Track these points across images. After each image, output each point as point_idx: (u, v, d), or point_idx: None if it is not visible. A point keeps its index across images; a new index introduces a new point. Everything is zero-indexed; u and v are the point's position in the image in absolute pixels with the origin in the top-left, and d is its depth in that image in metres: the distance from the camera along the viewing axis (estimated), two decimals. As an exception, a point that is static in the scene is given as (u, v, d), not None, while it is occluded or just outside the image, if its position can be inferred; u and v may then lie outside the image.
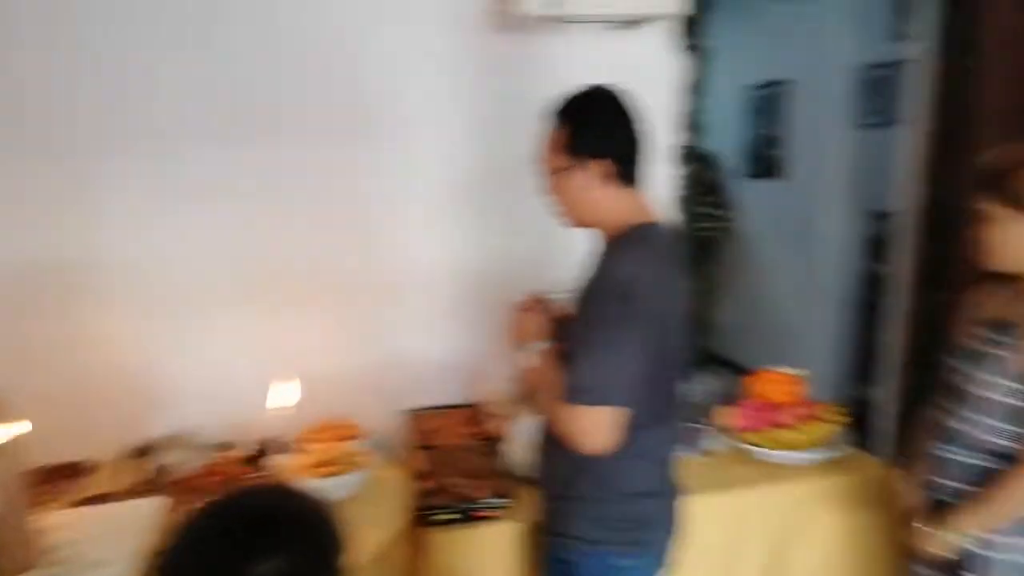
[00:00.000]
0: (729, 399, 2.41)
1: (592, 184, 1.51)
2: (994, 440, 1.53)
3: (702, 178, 4.40)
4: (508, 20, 2.29)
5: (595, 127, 1.50)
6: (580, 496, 1.56)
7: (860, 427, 3.43)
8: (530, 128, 1.62)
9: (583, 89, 1.53)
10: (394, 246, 2.48)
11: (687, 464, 2.09)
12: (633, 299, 1.40)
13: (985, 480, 1.54)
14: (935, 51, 2.84)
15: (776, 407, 2.18)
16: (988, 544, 1.53)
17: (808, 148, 4.44)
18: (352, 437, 2.11)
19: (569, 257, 1.73)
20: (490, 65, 2.43)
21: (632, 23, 2.39)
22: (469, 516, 1.83)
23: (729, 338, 5.27)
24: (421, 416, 2.41)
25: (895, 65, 3.84)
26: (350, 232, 2.44)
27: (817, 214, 4.33)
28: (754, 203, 5.05)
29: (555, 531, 1.62)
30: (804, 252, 4.47)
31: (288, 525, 0.99)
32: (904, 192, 3.05)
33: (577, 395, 1.42)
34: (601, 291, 1.45)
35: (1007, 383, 1.49)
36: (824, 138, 4.25)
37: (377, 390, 2.47)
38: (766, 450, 2.10)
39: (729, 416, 2.22)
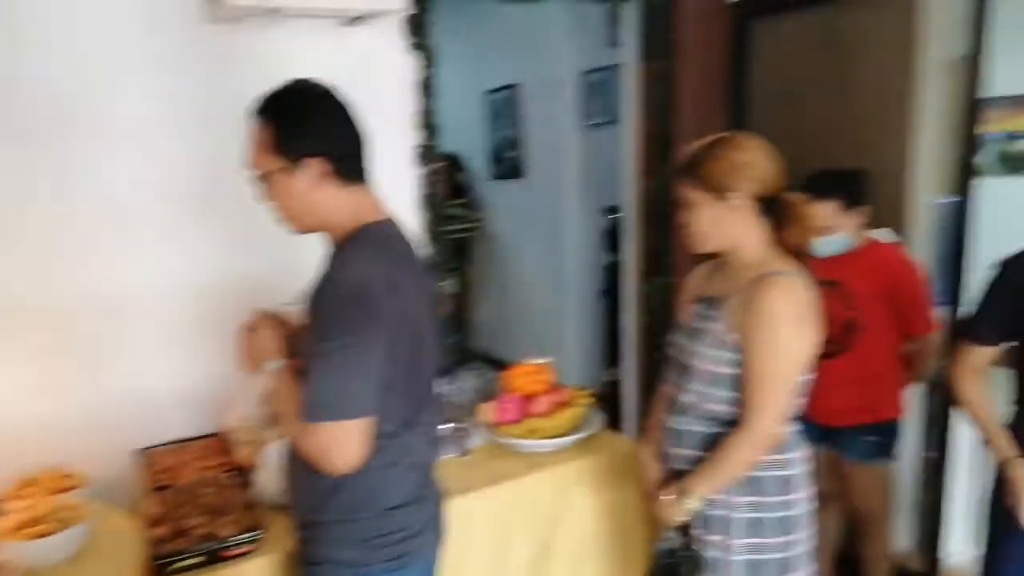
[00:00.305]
0: (488, 396, 2.43)
1: (308, 185, 1.40)
2: (718, 408, 1.65)
3: (451, 180, 4.46)
4: (227, 12, 2.12)
5: (303, 123, 1.40)
6: (335, 519, 1.45)
7: (612, 407, 3.68)
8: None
9: (285, 84, 1.43)
10: (113, 264, 2.20)
11: (450, 466, 2.08)
12: (366, 301, 1.32)
13: (713, 445, 1.65)
14: (640, 56, 3.09)
15: (529, 398, 2.24)
16: (726, 504, 1.64)
17: (544, 149, 4.68)
18: (67, 488, 1.82)
19: (311, 266, 1.61)
20: (210, 62, 2.24)
21: (357, 19, 2.33)
22: (216, 557, 1.65)
23: (488, 335, 5.42)
24: (155, 453, 2.16)
25: (612, 69, 4.18)
26: (56, 250, 2.12)
27: (559, 211, 4.58)
28: (501, 204, 5.24)
29: (312, 560, 1.50)
30: (551, 248, 4.71)
31: None
32: (628, 187, 3.30)
33: (316, 411, 1.32)
34: (330, 297, 1.34)
35: (722, 353, 1.61)
36: (557, 139, 4.51)
37: (102, 430, 2.18)
38: (524, 441, 2.14)
39: (488, 412, 2.24)
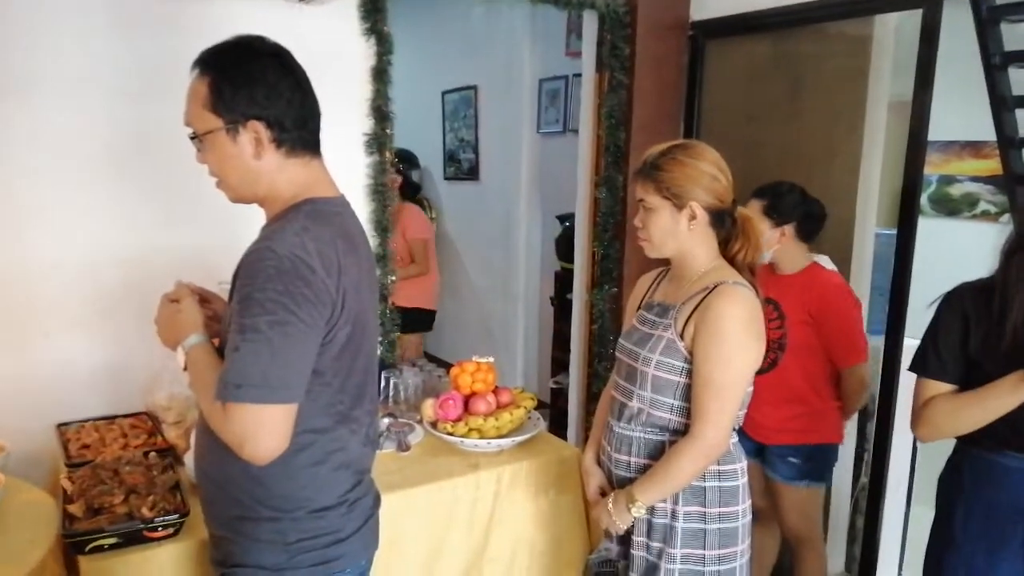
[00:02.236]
0: (430, 392, 2.39)
1: (247, 150, 1.28)
2: (666, 415, 1.64)
3: (403, 177, 4.42)
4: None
5: (247, 83, 1.26)
6: (255, 516, 1.32)
7: (557, 411, 3.69)
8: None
9: (233, 38, 1.30)
10: (38, 232, 2.10)
11: (388, 461, 2.04)
12: (303, 277, 1.20)
13: (659, 453, 1.65)
14: (597, 66, 3.12)
15: (472, 396, 2.21)
16: (670, 513, 1.63)
17: (500, 153, 4.68)
18: (-23, 459, 1.71)
19: (247, 242, 1.55)
20: (155, 29, 2.16)
21: None
22: (135, 538, 1.57)
23: (435, 337, 5.36)
24: (76, 430, 2.06)
25: (566, 78, 4.22)
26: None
27: (512, 216, 4.57)
28: (454, 204, 5.21)
29: (228, 562, 1.36)
30: (502, 252, 4.70)
31: None
32: (579, 196, 3.32)
33: (236, 391, 1.17)
34: (263, 267, 1.19)
35: (672, 361, 1.61)
36: (513, 144, 4.51)
37: (21, 402, 2.07)
38: (465, 440, 2.10)
39: (429, 409, 2.20)
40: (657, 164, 1.62)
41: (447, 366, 2.54)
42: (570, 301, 3.56)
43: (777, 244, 2.32)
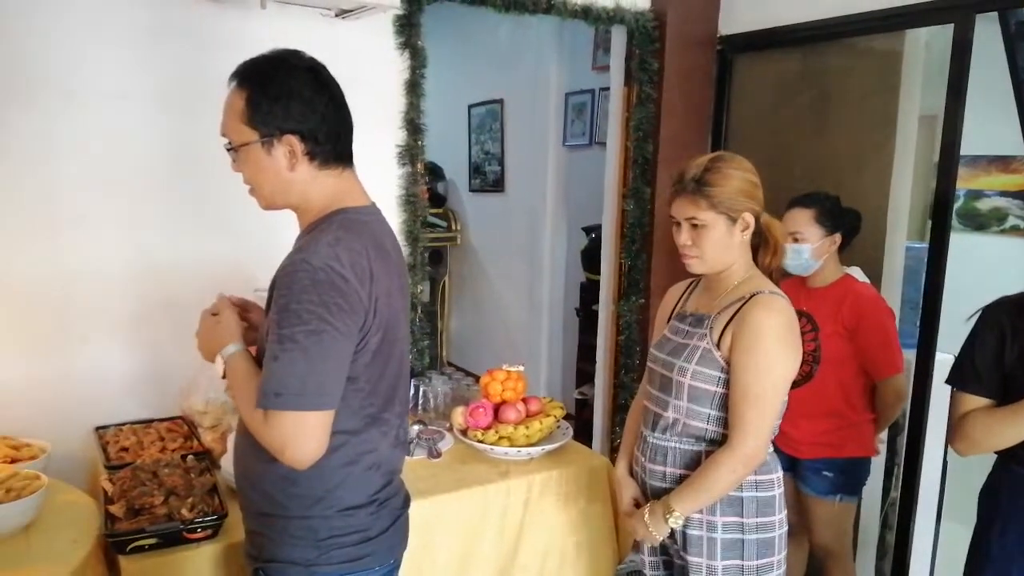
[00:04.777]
0: (459, 400, 2.41)
1: (281, 163, 1.32)
2: (702, 425, 1.64)
3: (430, 188, 4.47)
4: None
5: (282, 97, 1.29)
6: (288, 514, 1.35)
7: (582, 425, 3.69)
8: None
9: (270, 52, 1.34)
10: (75, 240, 2.15)
11: (419, 467, 2.06)
12: (338, 286, 1.23)
13: (695, 463, 1.64)
14: (625, 79, 3.15)
15: (502, 405, 2.22)
16: (707, 525, 1.63)
17: (525, 165, 4.70)
18: (23, 459, 1.76)
19: (286, 251, 1.58)
20: (194, 43, 2.21)
21: (347, 12, 2.33)
22: (176, 539, 1.60)
23: (459, 347, 5.39)
24: (115, 432, 2.10)
25: (593, 92, 4.25)
26: (23, 223, 2.06)
27: (537, 227, 4.59)
28: (479, 216, 5.24)
29: (262, 557, 1.39)
30: (527, 263, 4.71)
31: None
32: (606, 208, 3.34)
33: (275, 400, 1.22)
34: (298, 278, 1.23)
35: (709, 371, 1.61)
36: (538, 156, 4.54)
37: (61, 405, 2.13)
38: (495, 448, 2.12)
39: (459, 416, 2.21)
40: (706, 180, 1.59)
41: (471, 376, 2.56)
42: (596, 312, 3.57)
43: (827, 253, 2.33)
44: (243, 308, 1.50)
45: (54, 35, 2.03)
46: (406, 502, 1.53)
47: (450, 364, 5.22)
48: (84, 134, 2.11)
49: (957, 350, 1.73)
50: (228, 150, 1.36)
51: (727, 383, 1.59)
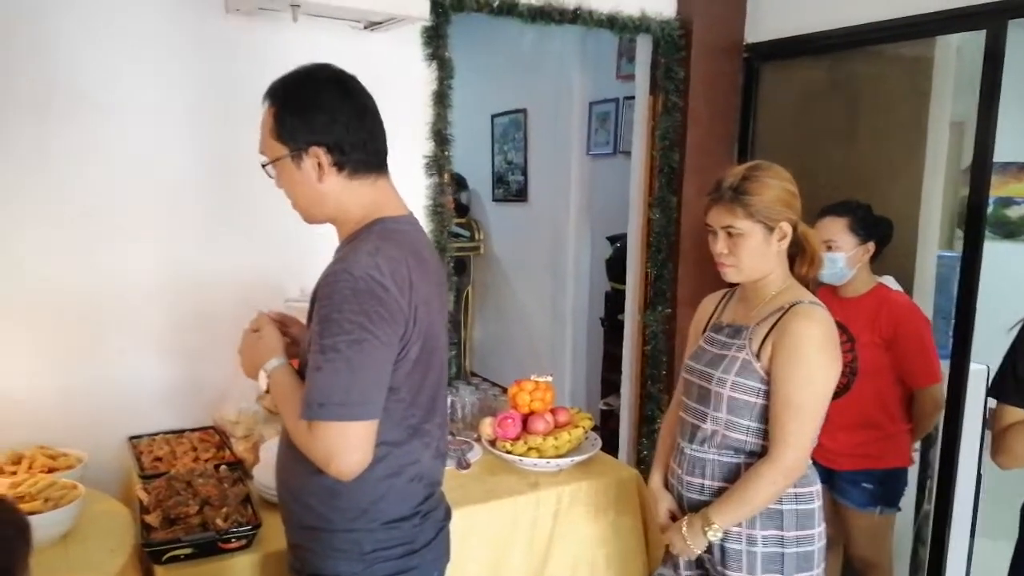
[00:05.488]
0: (486, 410, 2.41)
1: (312, 175, 1.33)
2: (741, 437, 1.62)
3: (454, 199, 4.49)
4: (250, 4, 2.12)
5: (306, 111, 1.31)
6: (331, 527, 1.35)
7: (608, 433, 3.66)
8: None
9: (296, 69, 1.35)
10: (111, 253, 2.17)
11: (449, 478, 2.05)
12: (377, 296, 1.23)
13: (734, 475, 1.63)
14: (650, 88, 3.15)
15: (530, 415, 2.22)
16: (745, 538, 1.61)
17: (548, 175, 4.71)
18: (59, 468, 1.78)
19: (321, 263, 1.59)
20: (226, 56, 2.24)
21: (376, 24, 2.35)
22: (211, 549, 1.61)
23: (482, 357, 5.39)
24: (148, 442, 2.12)
25: (617, 101, 4.24)
26: (62, 235, 2.10)
27: (561, 237, 4.59)
28: (502, 226, 5.25)
29: (308, 571, 1.39)
30: (551, 273, 4.71)
31: None
32: (632, 217, 3.33)
33: (319, 410, 1.22)
34: (338, 289, 1.23)
35: (749, 382, 1.59)
36: (562, 166, 4.54)
37: (92, 416, 2.14)
38: (525, 459, 2.11)
39: (489, 427, 2.21)
40: (743, 188, 1.58)
41: (496, 387, 2.55)
42: (621, 322, 3.55)
43: (860, 262, 2.31)
44: (283, 323, 1.51)
45: (89, 51, 2.06)
46: (447, 514, 1.53)
47: (473, 374, 5.22)
48: (119, 148, 2.14)
49: (988, 360, 1.70)
50: (264, 167, 1.38)
51: (767, 394, 1.57)
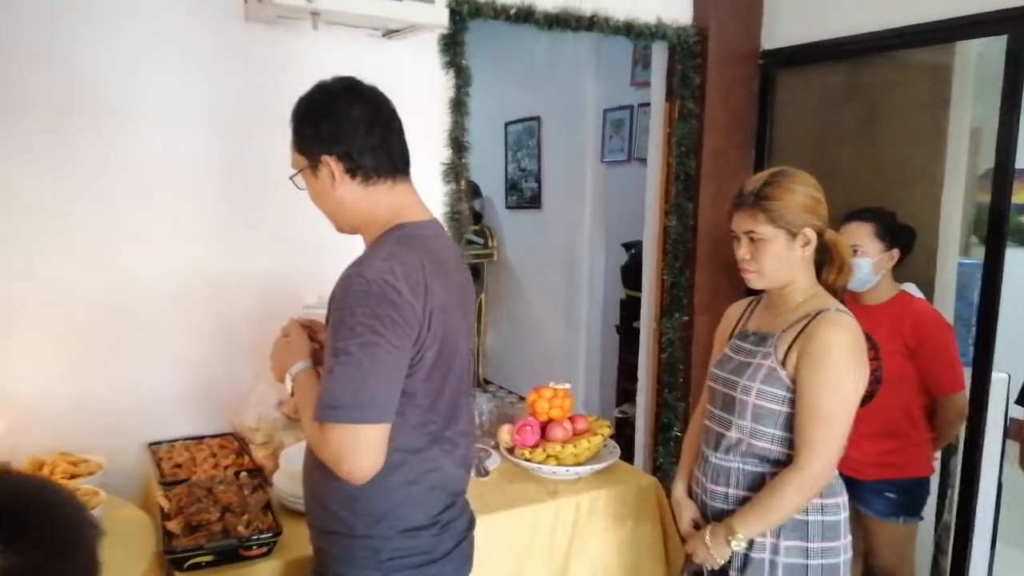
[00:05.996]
0: (504, 418, 2.40)
1: (328, 184, 1.36)
2: (766, 445, 1.60)
3: (468, 206, 4.49)
4: (271, 12, 2.12)
5: (316, 122, 1.34)
6: (350, 532, 1.36)
7: (624, 441, 3.64)
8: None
9: (316, 83, 1.39)
10: (128, 258, 2.18)
11: (469, 487, 2.04)
12: (391, 300, 1.24)
13: (759, 484, 1.61)
14: (666, 95, 3.14)
15: (549, 423, 2.21)
16: (770, 548, 1.59)
17: (562, 182, 4.70)
18: (81, 474, 1.78)
19: (337, 268, 1.59)
20: (246, 63, 2.25)
21: (394, 32, 2.35)
22: (233, 556, 1.60)
23: (496, 364, 5.38)
24: (167, 449, 2.12)
25: (631, 108, 4.24)
26: (81, 239, 2.10)
27: (575, 244, 4.58)
28: (516, 233, 5.25)
29: (328, 574, 1.40)
30: (566, 280, 4.70)
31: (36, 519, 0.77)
32: (648, 224, 3.32)
33: (329, 412, 1.22)
34: (352, 292, 1.24)
35: (775, 390, 1.58)
36: (576, 173, 4.53)
37: (110, 422, 2.14)
38: (544, 467, 2.10)
39: (507, 435, 2.20)
40: (765, 194, 1.58)
41: (512, 394, 2.55)
42: (636, 329, 3.54)
43: (884, 269, 2.29)
44: (312, 329, 1.52)
45: (110, 58, 2.08)
46: (471, 524, 1.52)
47: (487, 381, 5.22)
48: (138, 153, 2.15)
49: (1008, 368, 1.69)
50: (291, 179, 1.42)
51: (792, 403, 1.56)
